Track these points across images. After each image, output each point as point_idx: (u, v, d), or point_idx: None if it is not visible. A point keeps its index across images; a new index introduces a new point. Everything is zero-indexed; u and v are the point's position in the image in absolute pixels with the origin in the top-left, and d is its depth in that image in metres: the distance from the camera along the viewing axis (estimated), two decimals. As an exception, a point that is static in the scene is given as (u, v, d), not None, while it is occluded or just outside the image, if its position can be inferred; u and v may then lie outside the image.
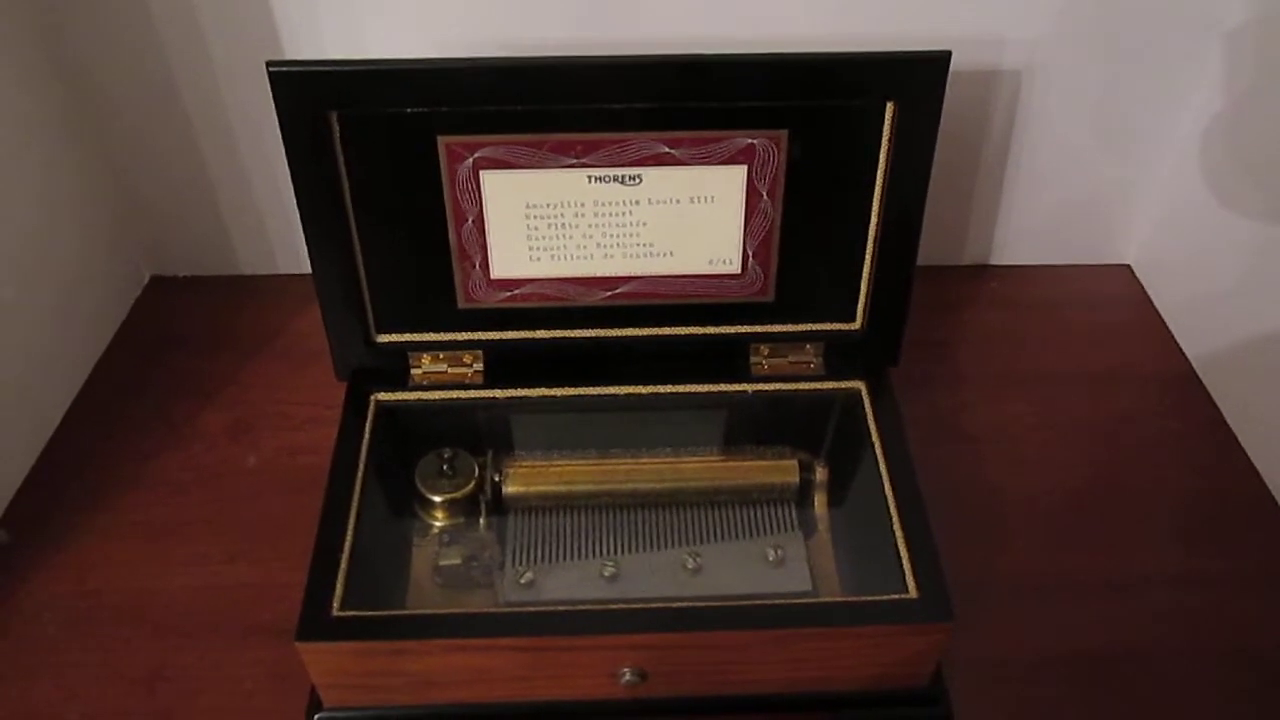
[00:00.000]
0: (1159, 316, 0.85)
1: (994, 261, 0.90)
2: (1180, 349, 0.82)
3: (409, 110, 0.58)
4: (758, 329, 0.67)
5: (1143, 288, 0.88)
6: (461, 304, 0.65)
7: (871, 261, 0.64)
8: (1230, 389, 0.76)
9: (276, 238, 0.86)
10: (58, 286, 0.76)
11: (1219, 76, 0.76)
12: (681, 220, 0.63)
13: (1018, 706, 0.59)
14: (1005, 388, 0.78)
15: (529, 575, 0.61)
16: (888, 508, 0.58)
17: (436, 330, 0.66)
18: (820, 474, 0.65)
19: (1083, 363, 0.81)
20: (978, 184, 0.84)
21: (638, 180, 0.61)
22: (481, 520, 0.63)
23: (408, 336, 0.66)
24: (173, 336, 0.83)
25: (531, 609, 0.57)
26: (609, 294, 0.65)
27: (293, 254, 0.86)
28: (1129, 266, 0.90)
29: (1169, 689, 0.60)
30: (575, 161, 0.60)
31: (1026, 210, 0.86)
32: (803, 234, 0.64)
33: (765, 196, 0.62)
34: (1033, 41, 0.76)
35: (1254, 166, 0.74)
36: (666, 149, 0.60)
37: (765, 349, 0.67)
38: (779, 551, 0.62)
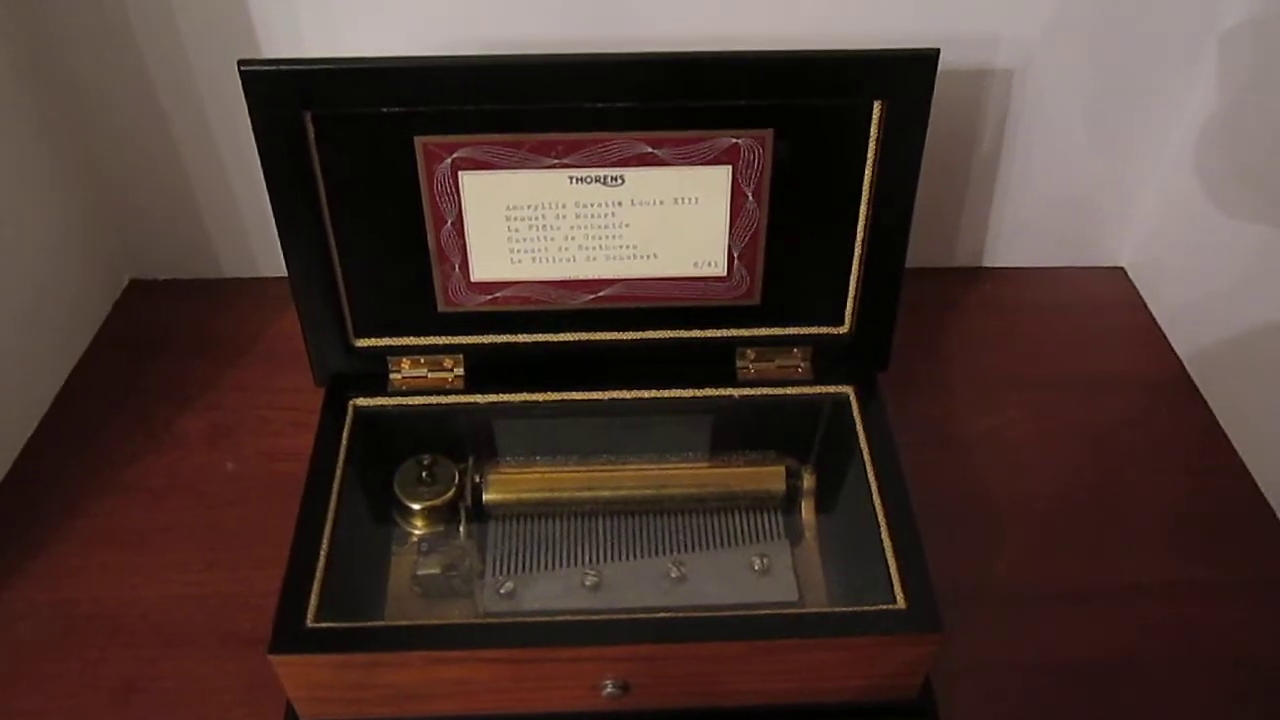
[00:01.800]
0: (1153, 320, 0.84)
1: (986, 264, 0.89)
2: (1174, 352, 0.81)
3: (385, 110, 0.56)
4: (744, 333, 0.66)
5: (1137, 291, 0.87)
6: (441, 307, 0.64)
7: (860, 264, 0.63)
8: (1224, 393, 0.76)
9: (257, 240, 0.85)
10: (34, 290, 0.75)
11: (1214, 78, 0.75)
12: (665, 222, 0.62)
13: (1008, 717, 0.58)
14: (997, 392, 0.77)
15: (509, 585, 0.60)
16: (876, 515, 0.57)
17: (416, 334, 0.65)
18: (807, 480, 0.64)
19: (1076, 367, 0.80)
20: (970, 185, 0.83)
21: (620, 181, 0.60)
22: (461, 528, 0.62)
23: (387, 341, 0.65)
24: (151, 340, 0.82)
25: (512, 619, 0.57)
26: (592, 297, 0.64)
27: (274, 257, 0.84)
28: (1123, 269, 0.89)
29: (1163, 697, 0.59)
30: (556, 162, 0.59)
31: (1020, 212, 0.85)
32: (789, 236, 0.63)
33: (751, 197, 0.61)
34: (1026, 41, 0.75)
35: (1249, 169, 0.73)
36: (649, 149, 0.59)
37: (752, 353, 0.66)
38: (765, 560, 0.61)
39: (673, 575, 0.61)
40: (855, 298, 0.65)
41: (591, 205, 0.61)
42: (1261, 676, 0.60)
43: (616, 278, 0.64)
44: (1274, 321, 0.70)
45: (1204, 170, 0.77)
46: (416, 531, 0.63)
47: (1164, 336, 0.82)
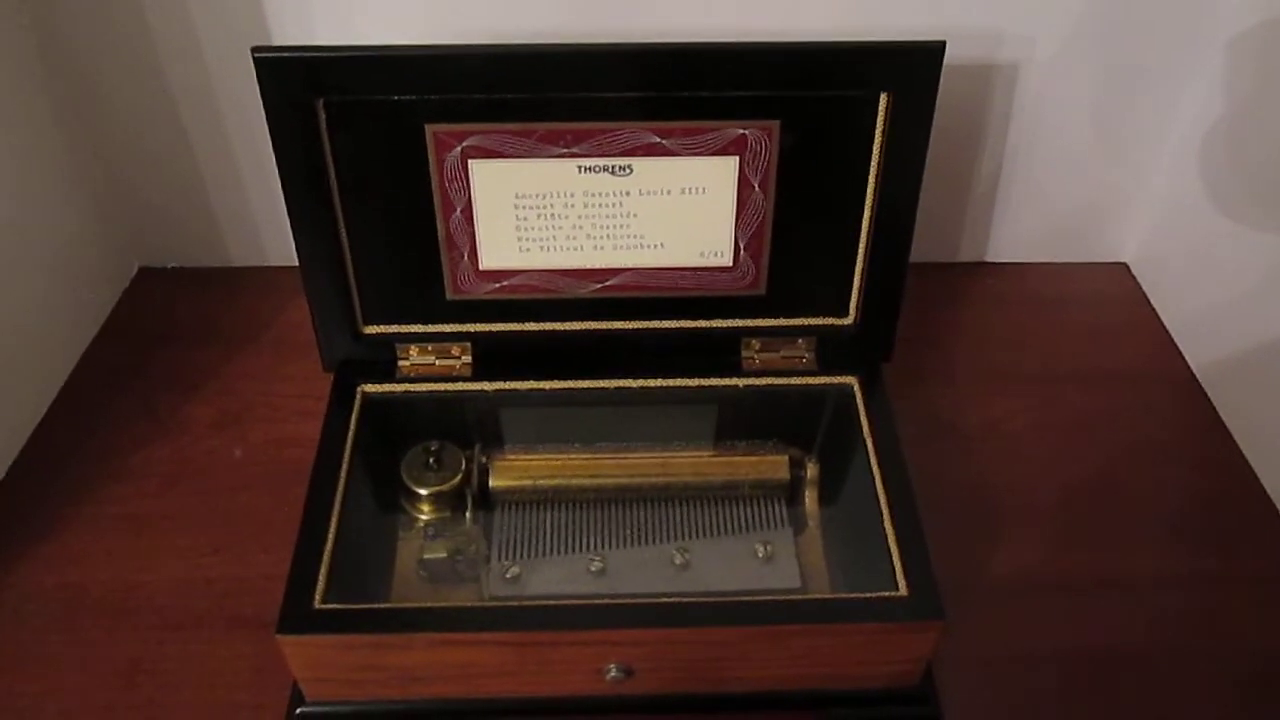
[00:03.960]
0: (1155, 315, 0.84)
1: (990, 258, 0.89)
2: (1177, 347, 0.81)
3: (396, 98, 0.57)
4: (749, 323, 0.66)
5: (1139, 286, 0.87)
6: (450, 295, 0.65)
7: (865, 255, 0.64)
8: (1226, 388, 0.76)
9: (266, 229, 0.85)
10: (45, 277, 0.76)
11: (1218, 78, 0.75)
12: (672, 212, 0.62)
13: (1008, 706, 0.59)
14: (1000, 385, 0.78)
15: (515, 570, 0.60)
16: (879, 504, 0.58)
17: (424, 322, 0.66)
18: (811, 470, 0.65)
19: (1078, 361, 0.80)
20: (974, 180, 0.84)
21: (628, 171, 0.60)
22: (468, 514, 0.63)
23: (395, 328, 0.66)
24: (160, 328, 0.82)
25: (517, 603, 0.57)
26: (599, 286, 0.65)
27: (282, 246, 0.85)
28: (1126, 265, 0.89)
29: (1162, 689, 0.60)
30: (565, 151, 0.59)
31: (1023, 207, 0.86)
32: (795, 226, 0.63)
33: (757, 188, 0.61)
34: (1030, 37, 0.75)
35: (1252, 167, 0.74)
36: (657, 139, 0.59)
37: (757, 343, 0.67)
38: (768, 548, 0.62)
39: (677, 562, 0.61)
40: (860, 289, 0.65)
41: (599, 194, 0.61)
42: (1261, 672, 0.60)
43: (623, 267, 0.64)
44: (1273, 314, 0.71)
45: (1207, 167, 0.78)
46: (423, 517, 0.63)
47: (1166, 331, 0.83)
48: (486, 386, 0.66)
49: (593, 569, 0.60)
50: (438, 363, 0.66)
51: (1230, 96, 0.74)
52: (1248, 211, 0.74)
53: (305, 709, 0.56)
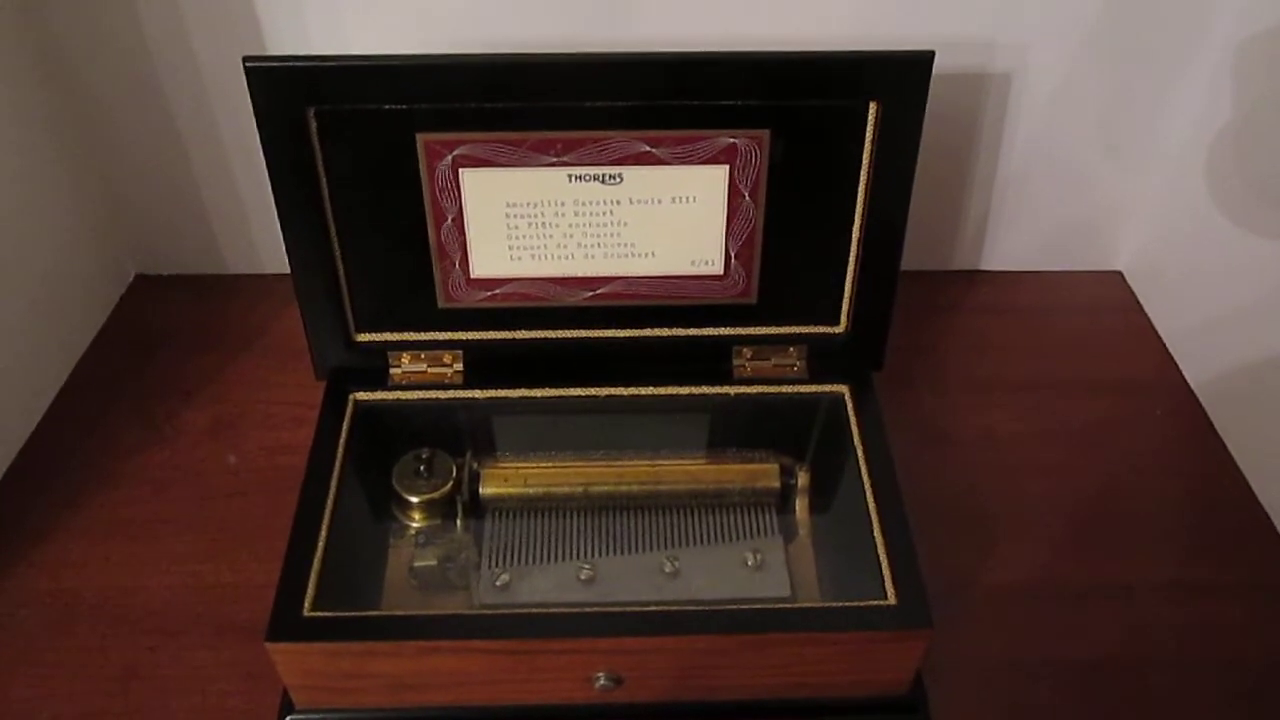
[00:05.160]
0: (1150, 324, 0.84)
1: (984, 267, 0.89)
2: (1171, 356, 0.81)
3: (388, 107, 0.57)
4: (740, 331, 0.66)
5: (1134, 294, 0.87)
6: (442, 303, 0.65)
7: (855, 263, 0.64)
8: (1220, 396, 0.76)
9: (261, 237, 0.86)
10: (42, 284, 0.76)
11: (1214, 87, 0.75)
12: (663, 220, 0.62)
13: (1001, 715, 0.59)
14: (992, 393, 0.78)
15: (505, 577, 0.60)
16: (869, 513, 0.58)
17: (416, 330, 0.66)
18: (801, 478, 0.65)
19: (1072, 369, 0.80)
20: (968, 188, 0.84)
21: (618, 179, 0.60)
22: (458, 521, 0.63)
23: (387, 336, 0.66)
24: (156, 335, 0.83)
25: (506, 611, 0.57)
26: (590, 294, 0.65)
27: (277, 253, 0.84)
28: (1120, 273, 0.89)
29: (1155, 699, 0.60)
30: (555, 160, 0.59)
31: (1017, 215, 0.86)
32: (786, 235, 0.63)
33: (747, 197, 0.61)
34: (1023, 46, 0.75)
35: (1248, 177, 0.74)
36: (647, 148, 0.59)
37: (748, 351, 0.67)
38: (758, 556, 0.62)
39: (666, 570, 0.61)
40: (851, 297, 0.65)
41: (590, 203, 0.61)
42: (1254, 680, 0.60)
43: (614, 275, 0.64)
44: (1269, 324, 0.71)
45: (1203, 176, 0.78)
46: (414, 524, 0.63)
47: (1161, 340, 0.83)
48: (478, 394, 0.66)
49: (583, 577, 0.61)
50: (429, 370, 0.66)
51: (1227, 105, 0.75)
52: (1243, 221, 0.74)
53: (295, 716, 0.56)
